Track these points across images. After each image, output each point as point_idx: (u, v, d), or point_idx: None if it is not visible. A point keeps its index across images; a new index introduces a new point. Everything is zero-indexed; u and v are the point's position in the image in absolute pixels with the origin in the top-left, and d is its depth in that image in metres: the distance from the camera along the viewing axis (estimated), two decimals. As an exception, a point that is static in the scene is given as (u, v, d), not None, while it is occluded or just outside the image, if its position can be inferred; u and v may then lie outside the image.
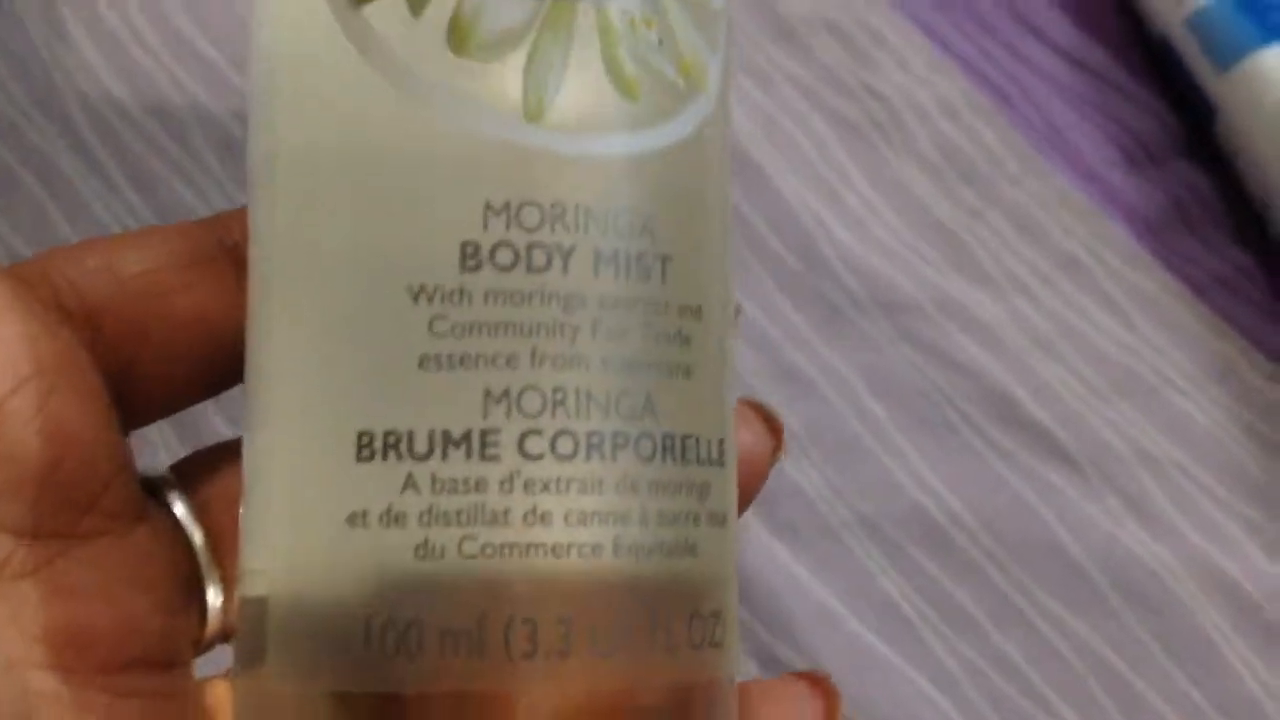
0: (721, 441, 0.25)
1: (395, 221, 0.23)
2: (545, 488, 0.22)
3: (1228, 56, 0.54)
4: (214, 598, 0.27)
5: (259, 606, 0.23)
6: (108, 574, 0.25)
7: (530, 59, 0.23)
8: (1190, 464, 0.48)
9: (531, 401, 0.22)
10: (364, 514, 0.22)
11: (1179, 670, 0.44)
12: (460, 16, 0.23)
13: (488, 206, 0.23)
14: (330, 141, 0.23)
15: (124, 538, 0.26)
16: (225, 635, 0.28)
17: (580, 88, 0.23)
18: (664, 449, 0.23)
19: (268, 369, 0.24)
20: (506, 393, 0.22)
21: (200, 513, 0.27)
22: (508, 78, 0.23)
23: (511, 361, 0.22)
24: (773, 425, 0.29)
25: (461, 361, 0.22)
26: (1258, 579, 0.46)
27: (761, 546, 0.45)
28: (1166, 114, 0.57)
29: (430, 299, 0.22)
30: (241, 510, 0.24)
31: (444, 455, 0.22)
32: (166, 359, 0.26)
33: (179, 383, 0.27)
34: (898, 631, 0.44)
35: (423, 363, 0.22)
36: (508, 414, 0.22)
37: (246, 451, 0.24)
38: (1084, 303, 0.51)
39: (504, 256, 0.23)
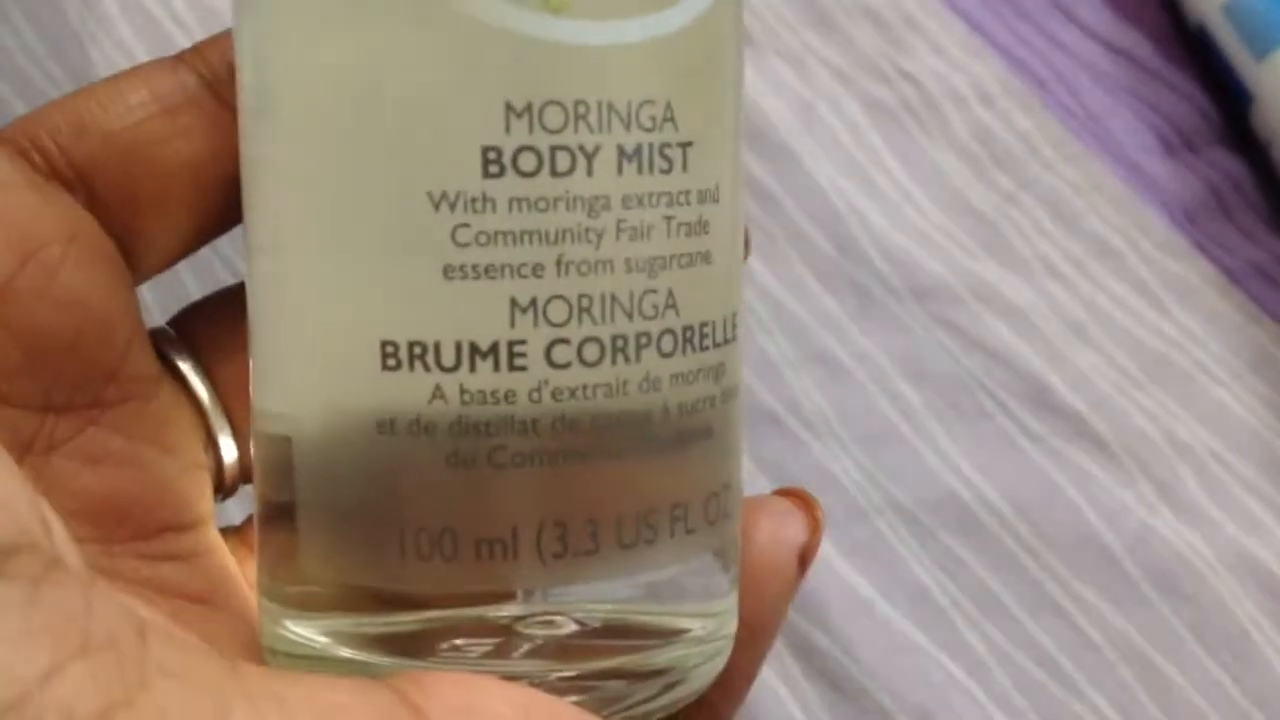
0: (734, 314, 0.25)
1: (413, 126, 0.22)
2: (572, 395, 0.22)
3: (1265, 44, 0.54)
4: (228, 452, 0.27)
5: (283, 447, 0.24)
6: (134, 439, 0.25)
7: None
8: (1225, 452, 0.48)
9: (558, 310, 0.22)
10: (392, 422, 0.22)
11: (1212, 659, 0.44)
12: None
13: (509, 108, 0.22)
14: (338, 42, 0.23)
15: (148, 401, 0.26)
16: (236, 485, 0.28)
17: None
18: (684, 341, 0.23)
19: (280, 253, 0.24)
20: (533, 302, 0.22)
21: (207, 366, 0.27)
22: None
23: (537, 270, 0.22)
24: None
25: (486, 271, 0.22)
26: (1292, 568, 0.46)
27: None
28: (1203, 101, 0.56)
29: (453, 206, 0.22)
30: (251, 354, 0.24)
31: (471, 367, 0.22)
32: (162, 212, 0.26)
33: (176, 234, 0.27)
34: (930, 617, 0.44)
35: (447, 272, 0.22)
36: (534, 323, 0.22)
37: (256, 306, 0.24)
38: (1119, 289, 0.51)
39: (527, 161, 0.22)
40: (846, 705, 0.42)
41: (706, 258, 0.24)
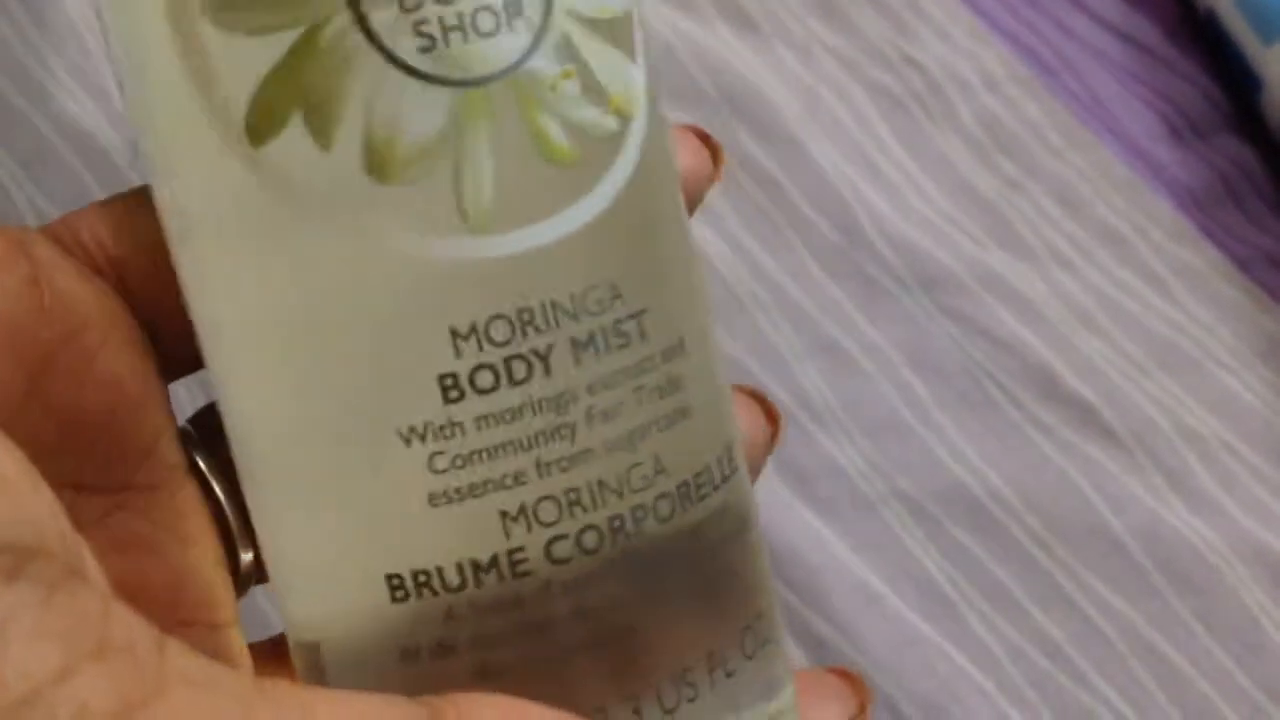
0: (729, 447, 0.25)
1: (365, 369, 0.22)
2: (579, 584, 0.22)
3: (1274, 30, 0.53)
4: (245, 552, 0.27)
5: (314, 652, 0.23)
6: (158, 527, 0.25)
7: (459, 166, 0.22)
8: (1235, 440, 0.47)
9: (549, 511, 0.22)
10: (415, 650, 0.22)
11: (1222, 650, 0.44)
12: (373, 141, 0.21)
13: (454, 333, 0.22)
14: (274, 301, 0.22)
15: (174, 491, 0.26)
16: (249, 585, 0.28)
17: (514, 177, 0.22)
18: (681, 499, 0.23)
19: (265, 489, 0.23)
20: (522, 509, 0.22)
21: (222, 466, 0.27)
22: (440, 193, 0.21)
23: (519, 479, 0.22)
24: (770, 413, 0.29)
25: (471, 491, 0.22)
26: (1303, 558, 0.45)
27: (801, 524, 0.44)
28: (1212, 87, 0.56)
29: (422, 438, 0.22)
30: (264, 555, 0.24)
31: (478, 584, 0.22)
32: (187, 316, 0.26)
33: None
34: (938, 609, 0.44)
35: (432, 499, 0.22)
36: (528, 529, 0.22)
37: (260, 532, 0.24)
38: (1127, 277, 0.51)
39: (484, 379, 0.22)
40: (854, 698, 0.42)
41: (684, 412, 0.23)
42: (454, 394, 0.22)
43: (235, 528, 0.27)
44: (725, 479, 0.24)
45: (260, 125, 0.21)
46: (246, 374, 0.23)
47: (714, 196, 0.51)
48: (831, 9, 0.55)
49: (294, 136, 0.21)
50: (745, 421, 0.28)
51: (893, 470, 0.46)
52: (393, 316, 0.22)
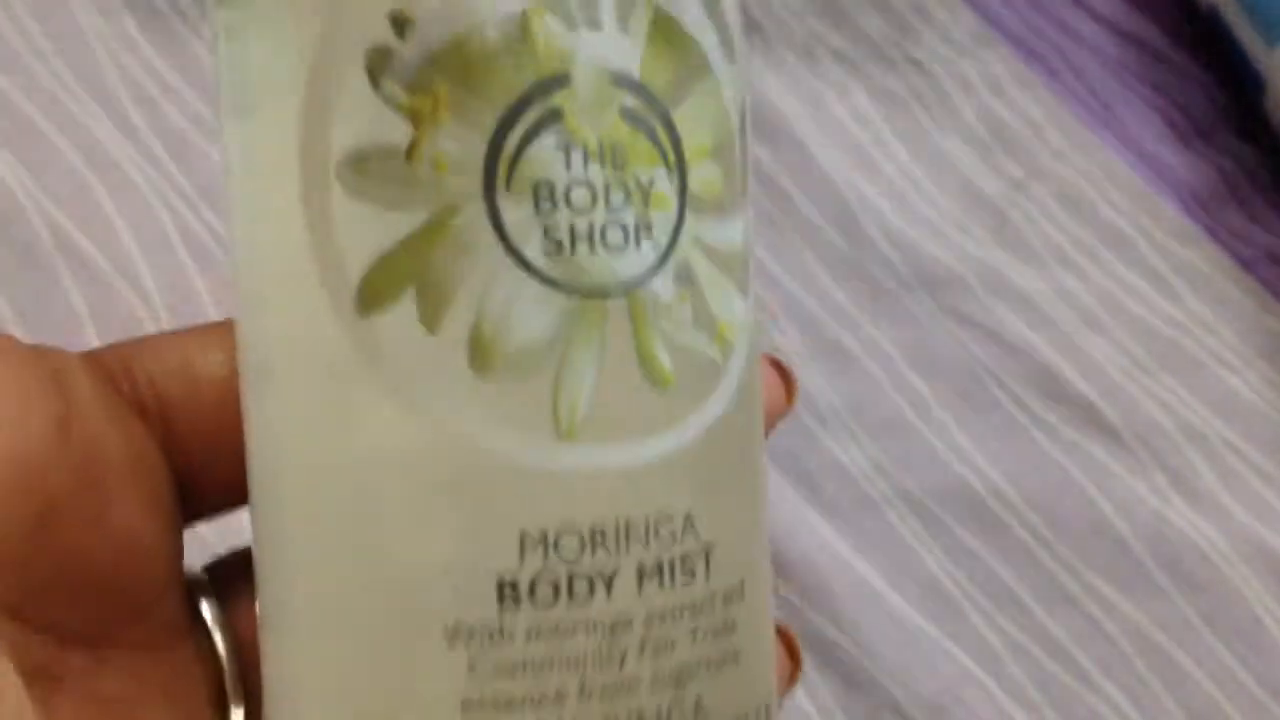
0: (767, 705, 0.24)
1: (424, 557, 0.21)
2: None
3: (1278, 31, 0.53)
4: (235, 709, 0.26)
5: None
6: (145, 687, 0.24)
7: (561, 373, 0.21)
8: (1238, 440, 0.47)
9: None
10: None
11: (1226, 649, 0.44)
12: (481, 332, 0.21)
13: (524, 537, 0.21)
14: (345, 466, 0.21)
15: (167, 652, 0.25)
16: None
17: (613, 394, 0.21)
18: None
19: (289, 657, 0.22)
20: None
21: (231, 617, 0.26)
22: (537, 395, 0.21)
23: (560, 698, 0.21)
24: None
25: (507, 704, 0.21)
26: (1306, 557, 0.45)
27: (804, 523, 0.44)
28: (1215, 88, 0.56)
29: (468, 641, 0.21)
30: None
31: None
32: (236, 461, 0.25)
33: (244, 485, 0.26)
34: (941, 609, 0.44)
35: (465, 707, 0.21)
36: None
37: (267, 680, 0.23)
38: (1130, 277, 0.51)
39: (544, 591, 0.21)
40: (858, 697, 0.42)
41: (735, 658, 0.23)
42: (510, 599, 0.21)
43: (230, 685, 0.26)
44: None
45: (372, 296, 0.21)
46: (297, 534, 0.22)
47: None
48: (834, 11, 0.55)
49: (403, 313, 0.21)
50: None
51: (896, 470, 0.46)
52: (463, 507, 0.21)
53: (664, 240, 0.22)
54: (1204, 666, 0.43)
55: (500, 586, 0.21)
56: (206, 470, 0.25)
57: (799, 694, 0.42)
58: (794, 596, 0.43)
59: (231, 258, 0.23)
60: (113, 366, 0.25)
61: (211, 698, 0.26)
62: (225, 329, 0.25)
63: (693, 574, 0.22)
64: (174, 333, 0.26)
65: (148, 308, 0.45)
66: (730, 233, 0.23)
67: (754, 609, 0.23)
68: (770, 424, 0.27)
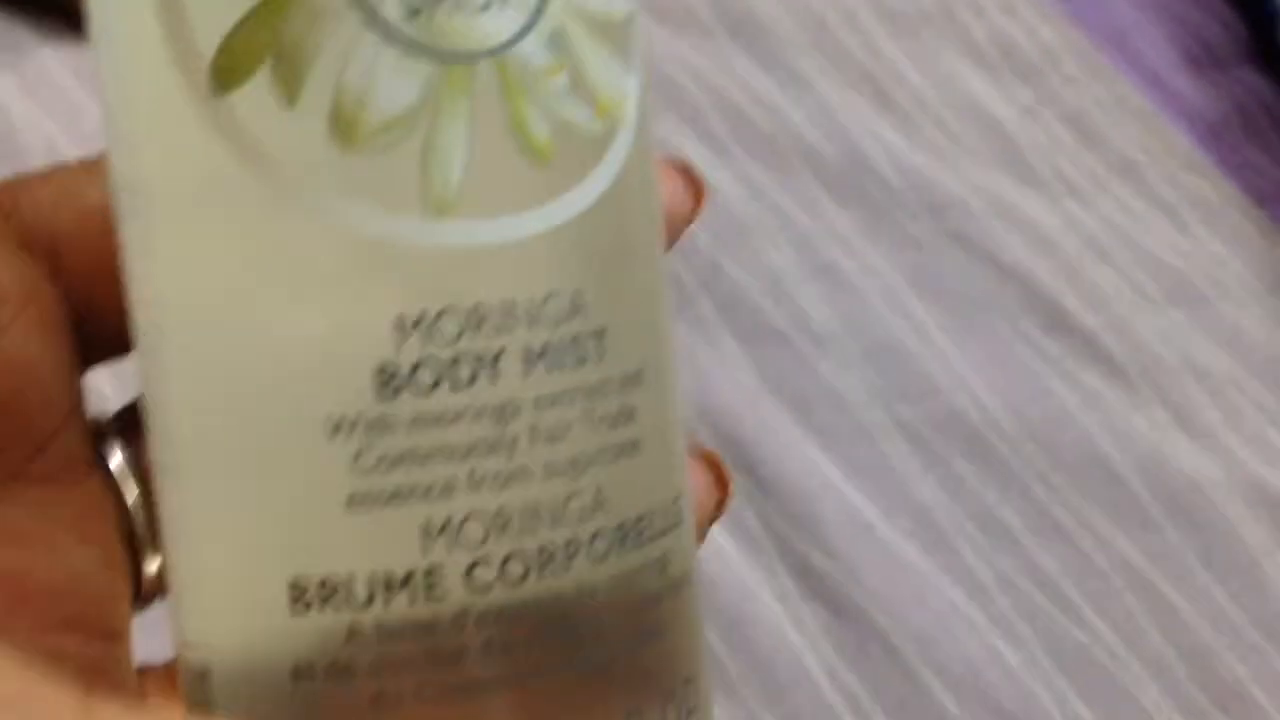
0: (676, 499, 0.23)
1: (300, 350, 0.20)
2: (499, 618, 0.21)
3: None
4: (149, 563, 0.26)
5: (202, 680, 0.22)
6: (52, 522, 0.24)
7: (429, 143, 0.20)
8: (1243, 376, 0.47)
9: (474, 530, 0.21)
10: (309, 667, 0.21)
11: (1220, 587, 0.43)
12: (343, 103, 0.20)
13: (399, 322, 0.20)
14: (211, 258, 0.21)
15: (73, 486, 0.24)
16: (154, 597, 0.26)
17: (487, 166, 0.21)
18: (618, 540, 0.22)
19: (180, 482, 0.22)
20: (446, 524, 0.20)
21: (141, 464, 0.26)
22: (405, 169, 0.20)
23: (448, 490, 0.20)
24: (720, 478, 0.28)
25: (393, 497, 0.20)
26: (1307, 497, 0.45)
27: (795, 449, 0.44)
28: (1231, 17, 0.55)
29: (350, 432, 0.20)
30: (167, 571, 0.23)
31: (386, 601, 0.21)
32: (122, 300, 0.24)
33: None
34: (932, 540, 0.43)
35: (351, 502, 0.20)
36: (449, 548, 0.21)
37: (167, 531, 0.23)
38: (1139, 207, 0.50)
39: (425, 376, 0.20)
40: (844, 626, 0.42)
41: (635, 447, 0.22)
42: (390, 388, 0.20)
43: (141, 533, 0.25)
44: (669, 529, 0.23)
45: (226, 71, 0.20)
46: (178, 355, 0.21)
47: (715, 123, 0.50)
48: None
49: (259, 87, 0.20)
50: (695, 484, 0.27)
51: (892, 397, 0.45)
52: (337, 295, 0.20)
53: (532, 1, 0.21)
54: (1196, 604, 0.43)
55: (378, 373, 0.20)
56: (102, 305, 0.24)
57: (783, 620, 0.42)
58: (783, 524, 0.43)
59: (97, 75, 0.22)
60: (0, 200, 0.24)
61: (124, 535, 0.25)
62: (101, 161, 0.25)
63: (583, 357, 0.21)
64: (60, 165, 0.25)
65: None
66: (611, 1, 0.22)
67: (656, 400, 0.23)
68: (676, 230, 0.27)
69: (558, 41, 0.21)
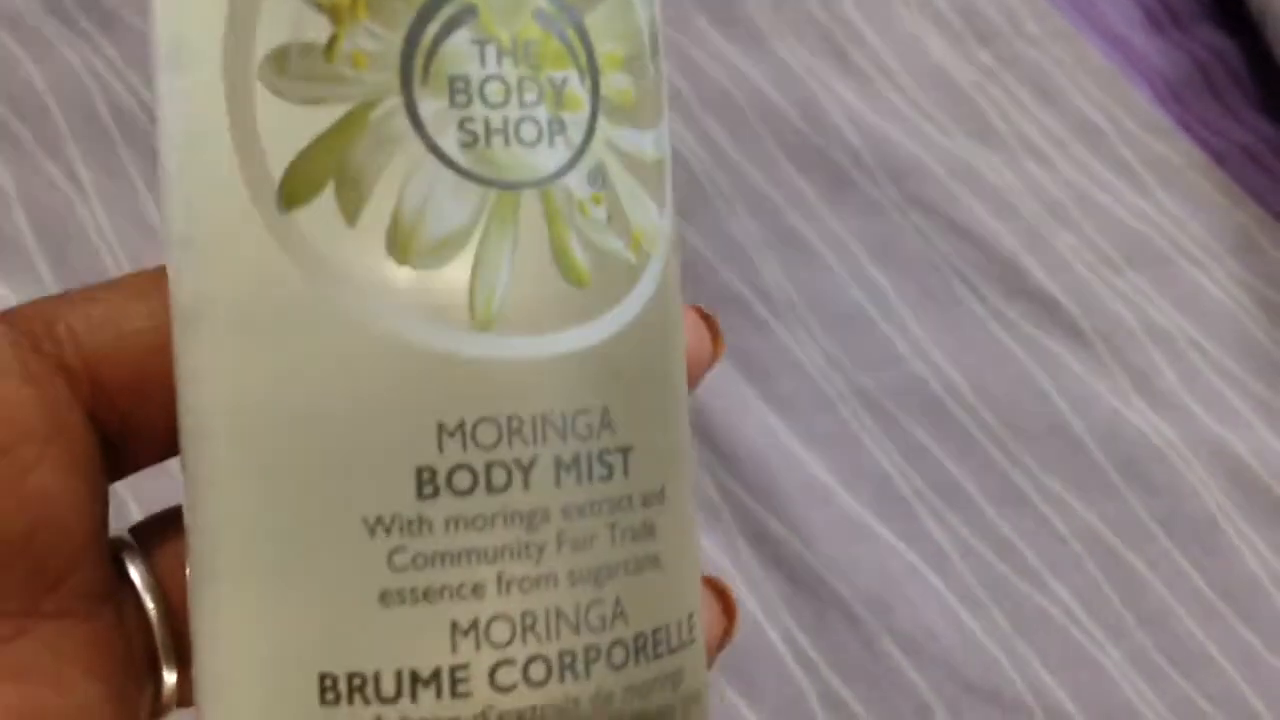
0: (690, 616, 0.24)
1: (343, 448, 0.22)
2: (520, 718, 0.22)
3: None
4: (169, 676, 0.26)
5: None
6: (63, 657, 0.24)
7: (477, 261, 0.22)
8: (1203, 339, 0.47)
9: (501, 631, 0.22)
10: None
11: (1180, 552, 0.43)
12: (400, 221, 0.21)
13: (441, 428, 0.21)
14: (267, 362, 0.22)
15: (86, 620, 0.24)
16: (171, 708, 0.26)
17: (529, 286, 0.22)
18: (636, 650, 0.23)
19: (217, 582, 0.23)
20: (474, 624, 0.21)
21: (160, 578, 0.26)
22: (453, 284, 0.22)
23: (478, 590, 0.21)
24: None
25: (425, 595, 0.21)
26: (1266, 458, 0.45)
27: (755, 418, 0.44)
28: (1195, -26, 0.55)
29: (388, 530, 0.21)
30: (195, 676, 0.23)
31: (413, 696, 0.21)
32: (166, 412, 0.25)
33: (175, 434, 0.26)
34: (891, 507, 0.43)
35: (384, 598, 0.21)
36: (477, 646, 0.22)
37: (199, 632, 0.23)
38: (1099, 169, 0.50)
39: (462, 480, 0.21)
40: (802, 594, 0.42)
41: (655, 561, 0.23)
42: (429, 489, 0.21)
43: (161, 645, 0.26)
44: (683, 645, 0.24)
45: (293, 191, 0.22)
46: (226, 455, 0.22)
47: (677, 81, 0.49)
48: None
49: (323, 206, 0.22)
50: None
51: (852, 366, 0.45)
52: (382, 399, 0.21)
53: (577, 139, 0.23)
54: (1156, 569, 0.43)
55: (419, 475, 0.21)
56: (137, 423, 0.25)
57: (742, 588, 0.42)
58: (742, 493, 0.43)
59: (163, 191, 0.23)
60: (33, 325, 0.25)
61: (135, 668, 0.25)
62: (146, 280, 0.25)
63: (610, 471, 0.23)
64: (97, 286, 0.26)
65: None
66: (645, 143, 0.24)
67: (675, 519, 0.24)
68: (695, 375, 0.28)
69: (598, 176, 0.23)
